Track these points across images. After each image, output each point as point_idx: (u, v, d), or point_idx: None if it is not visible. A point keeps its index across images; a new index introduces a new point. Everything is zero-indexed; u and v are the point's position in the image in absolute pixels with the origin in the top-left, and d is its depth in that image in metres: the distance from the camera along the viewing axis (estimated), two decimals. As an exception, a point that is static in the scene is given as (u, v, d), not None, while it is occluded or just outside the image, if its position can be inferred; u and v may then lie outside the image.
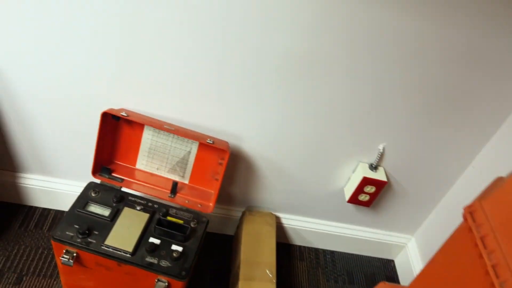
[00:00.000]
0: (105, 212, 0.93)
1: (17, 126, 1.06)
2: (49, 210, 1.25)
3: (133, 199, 0.98)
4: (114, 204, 0.95)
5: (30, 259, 1.12)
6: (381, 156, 1.09)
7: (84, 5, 0.84)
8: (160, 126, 0.95)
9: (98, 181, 1.01)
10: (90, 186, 0.98)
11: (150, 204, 0.98)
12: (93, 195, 0.96)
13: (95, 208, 0.93)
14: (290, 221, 1.28)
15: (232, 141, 1.07)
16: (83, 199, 0.94)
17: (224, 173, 0.98)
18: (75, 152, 1.11)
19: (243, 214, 1.22)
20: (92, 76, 0.96)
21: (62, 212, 1.25)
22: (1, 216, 1.19)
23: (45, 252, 1.14)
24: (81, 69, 0.94)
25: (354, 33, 0.86)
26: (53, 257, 1.14)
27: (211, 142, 0.95)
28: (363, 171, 1.09)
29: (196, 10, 0.84)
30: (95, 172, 1.00)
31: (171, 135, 1.00)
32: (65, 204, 1.23)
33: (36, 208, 1.24)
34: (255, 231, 1.17)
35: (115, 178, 1.01)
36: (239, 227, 1.23)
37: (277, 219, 1.27)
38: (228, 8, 0.84)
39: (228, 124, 1.04)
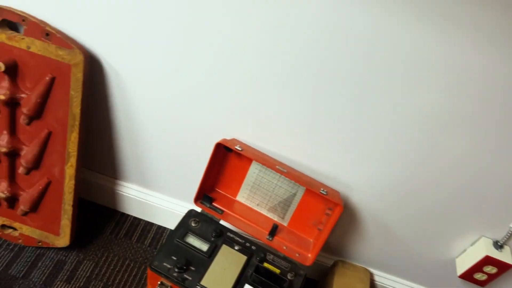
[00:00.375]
0: (204, 246, 0.89)
1: (127, 136, 1.06)
2: (139, 220, 1.25)
3: (231, 235, 0.93)
4: (212, 239, 0.91)
5: (117, 269, 1.11)
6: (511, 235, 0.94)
7: (211, 32, 0.81)
8: (272, 165, 0.89)
9: (198, 208, 0.98)
10: (191, 215, 0.95)
11: (248, 244, 0.92)
12: (193, 225, 0.92)
13: (193, 241, 0.89)
14: (384, 279, 1.17)
15: (341, 188, 0.99)
16: (183, 228, 0.91)
17: (333, 227, 0.89)
18: (177, 171, 1.09)
19: (335, 264, 1.13)
20: (209, 102, 0.92)
21: (152, 224, 1.24)
22: (97, 219, 1.21)
23: (131, 264, 1.13)
24: (199, 94, 0.92)
25: (496, 92, 0.74)
26: (138, 270, 1.13)
27: (325, 192, 0.87)
28: (486, 248, 0.95)
29: (332, 54, 0.77)
30: (197, 199, 0.97)
31: (278, 174, 0.94)
32: (156, 217, 1.22)
33: (128, 216, 1.25)
34: (347, 287, 1.08)
35: (215, 209, 0.97)
36: (328, 277, 1.13)
37: (370, 275, 1.16)
38: (370, 58, 0.76)
39: (341, 172, 0.95)
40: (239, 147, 0.89)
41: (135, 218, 1.25)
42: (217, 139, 0.98)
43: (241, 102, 0.91)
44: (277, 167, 0.89)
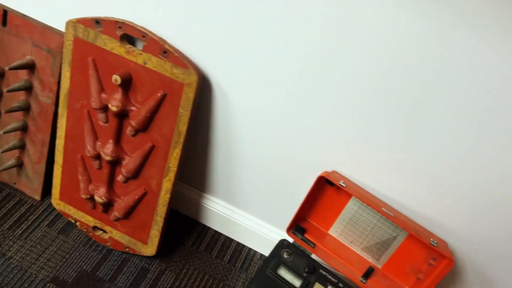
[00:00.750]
0: (296, 282, 0.86)
1: (222, 154, 1.05)
2: (220, 234, 1.24)
3: (324, 273, 0.89)
4: (305, 275, 0.87)
5: (196, 284, 1.11)
6: None
7: (320, 61, 0.77)
8: (378, 207, 0.84)
9: (290, 238, 0.95)
10: (283, 245, 0.92)
11: (341, 285, 0.88)
12: (285, 256, 0.89)
13: (285, 274, 0.87)
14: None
15: (442, 234, 0.91)
16: (276, 260, 0.89)
17: (439, 281, 0.83)
18: (267, 194, 1.07)
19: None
20: (311, 132, 0.89)
21: (231, 240, 1.23)
22: (179, 228, 1.22)
23: (210, 280, 1.13)
24: (302, 122, 0.89)
25: None
26: (216, 287, 1.12)
27: (435, 244, 0.81)
28: None
29: (460, 90, 0.71)
30: (290, 229, 0.94)
31: (379, 214, 0.88)
32: (237, 234, 1.21)
33: (209, 228, 1.24)
34: None
35: (307, 242, 0.94)
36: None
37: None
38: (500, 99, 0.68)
39: (451, 220, 0.88)
40: (343, 183, 0.85)
41: (215, 231, 1.24)
42: (316, 168, 0.95)
43: (345, 133, 0.87)
44: (383, 209, 0.84)
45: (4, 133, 1.03)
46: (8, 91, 0.97)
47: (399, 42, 0.72)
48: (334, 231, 0.97)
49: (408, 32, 0.70)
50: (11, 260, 1.03)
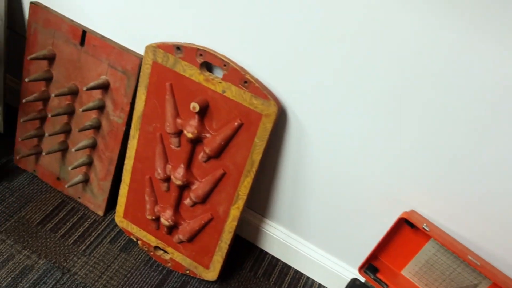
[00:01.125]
0: (371, 327, 0.82)
1: (289, 182, 1.03)
2: (277, 260, 1.21)
3: (399, 319, 0.84)
4: (379, 319, 0.83)
5: (255, 311, 1.09)
6: None
7: (396, 99, 0.73)
8: (463, 254, 0.79)
9: (361, 277, 0.91)
10: (355, 285, 0.88)
11: (417, 333, 0.83)
12: (358, 298, 0.86)
13: (360, 317, 0.83)
14: None
15: (530, 287, 0.85)
16: (349, 301, 0.85)
17: None
18: (333, 226, 1.04)
19: None
20: (390, 168, 0.86)
21: (289, 267, 1.20)
22: (237, 251, 1.20)
23: (269, 308, 1.10)
24: (381, 157, 0.85)
25: None
26: (274, 317, 1.09)
27: (528, 300, 0.75)
28: None
29: None
30: (362, 267, 0.90)
31: (460, 259, 0.83)
32: (296, 261, 1.18)
33: (267, 254, 1.22)
34: None
35: (380, 282, 0.90)
36: None
37: None
38: None
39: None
40: (426, 226, 0.81)
41: (273, 257, 1.22)
42: (392, 206, 0.91)
43: (426, 172, 0.83)
44: (469, 257, 0.79)
45: (76, 150, 1.04)
46: (83, 111, 0.98)
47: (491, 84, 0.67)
48: (407, 272, 0.92)
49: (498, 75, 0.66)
50: (75, 276, 1.04)
